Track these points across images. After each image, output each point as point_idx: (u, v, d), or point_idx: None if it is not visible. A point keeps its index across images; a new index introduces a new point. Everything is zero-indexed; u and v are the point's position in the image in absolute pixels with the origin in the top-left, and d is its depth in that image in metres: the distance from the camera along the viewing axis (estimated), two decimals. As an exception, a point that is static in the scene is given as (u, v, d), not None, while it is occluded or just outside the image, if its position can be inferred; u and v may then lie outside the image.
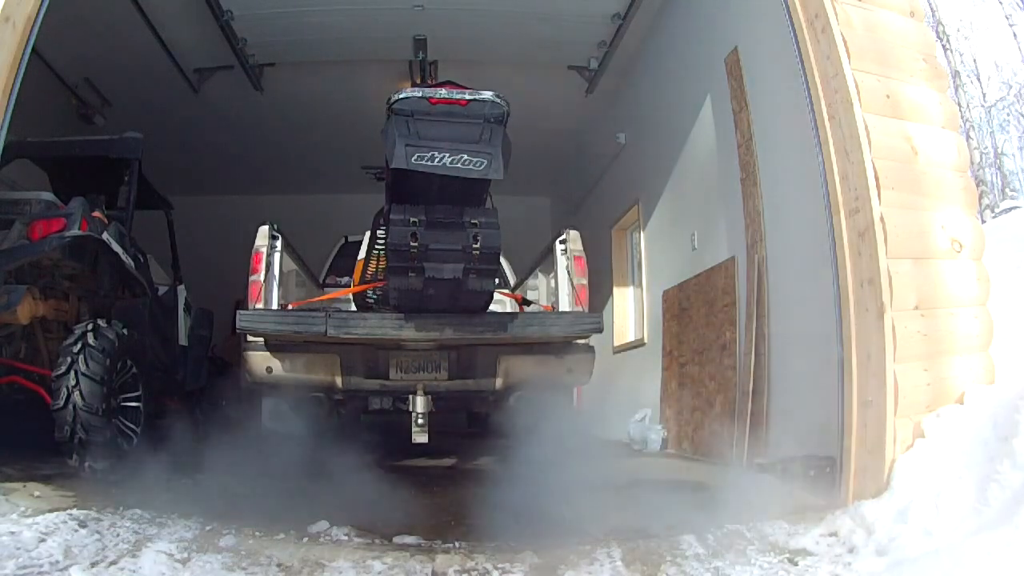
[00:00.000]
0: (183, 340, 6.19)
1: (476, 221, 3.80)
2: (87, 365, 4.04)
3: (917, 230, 3.57)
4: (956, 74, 15.31)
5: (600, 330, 4.51)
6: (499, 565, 2.96)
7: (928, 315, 3.50)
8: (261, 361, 4.50)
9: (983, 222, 6.86)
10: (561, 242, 4.98)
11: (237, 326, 4.26)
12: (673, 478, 4.97)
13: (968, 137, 14.19)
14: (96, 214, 4.54)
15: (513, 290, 5.91)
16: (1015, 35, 15.69)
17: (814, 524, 3.26)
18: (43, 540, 2.83)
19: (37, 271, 4.42)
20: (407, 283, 3.90)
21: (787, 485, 4.02)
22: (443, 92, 3.64)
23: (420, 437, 4.49)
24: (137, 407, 4.49)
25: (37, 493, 3.54)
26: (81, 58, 7.37)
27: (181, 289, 6.30)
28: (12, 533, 2.86)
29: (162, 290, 5.86)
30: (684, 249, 6.68)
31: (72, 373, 4.01)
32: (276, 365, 4.49)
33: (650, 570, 2.90)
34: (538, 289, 5.81)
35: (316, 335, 4.24)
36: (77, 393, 3.98)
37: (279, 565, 2.89)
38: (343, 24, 7.35)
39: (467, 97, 3.63)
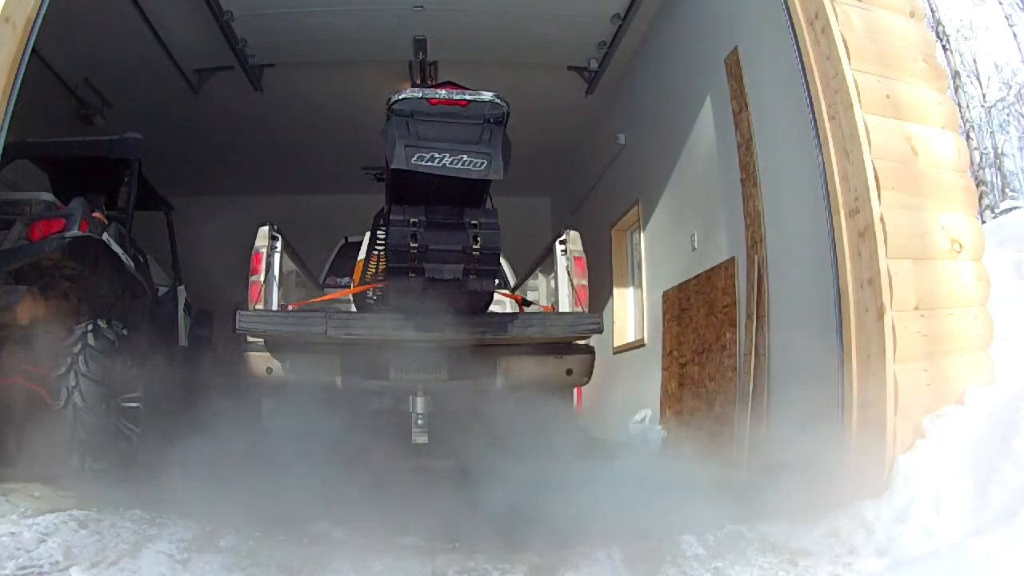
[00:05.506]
0: (183, 341, 6.19)
1: (476, 222, 3.80)
2: (87, 365, 4.05)
3: (917, 230, 3.57)
4: (956, 74, 15.32)
5: (600, 331, 4.51)
6: (499, 565, 2.96)
7: (928, 315, 3.50)
8: (261, 362, 4.50)
9: (983, 222, 6.85)
10: (561, 242, 4.98)
11: (237, 327, 4.26)
12: (673, 478, 4.97)
13: (968, 137, 14.19)
14: (96, 215, 4.55)
15: (513, 291, 5.91)
16: (1015, 35, 15.71)
17: (814, 524, 3.26)
18: (43, 540, 2.83)
19: (37, 271, 4.42)
20: (407, 284, 3.91)
21: (787, 485, 4.02)
22: (443, 93, 3.64)
23: (420, 438, 4.49)
24: (137, 407, 4.49)
25: (37, 493, 3.54)
26: (81, 58, 7.36)
27: (181, 290, 6.30)
28: (12, 534, 2.86)
29: (162, 291, 5.86)
30: (684, 249, 6.68)
31: (72, 373, 4.02)
32: (276, 366, 4.49)
33: (650, 570, 2.91)
34: (538, 290, 5.81)
35: (316, 336, 4.24)
36: (77, 393, 3.99)
37: (279, 565, 2.90)
38: (343, 24, 7.35)
39: (467, 98, 3.63)
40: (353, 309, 5.19)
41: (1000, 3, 15.85)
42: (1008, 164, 16.53)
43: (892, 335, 3.38)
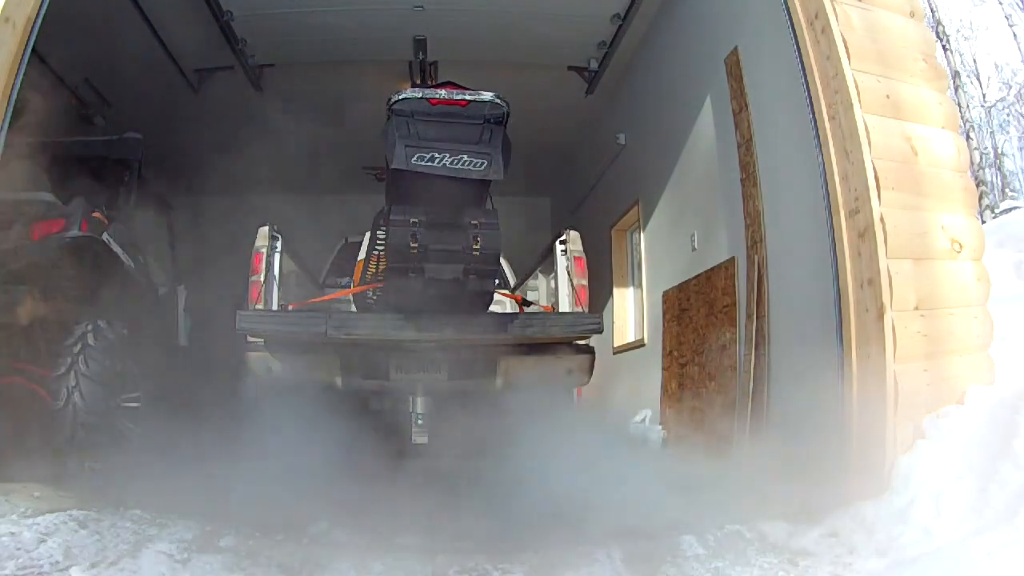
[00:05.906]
0: (183, 340, 6.19)
1: (476, 222, 3.79)
2: (87, 365, 4.05)
3: (917, 230, 3.57)
4: (956, 74, 15.32)
5: (600, 331, 4.51)
6: (499, 565, 2.96)
7: (928, 315, 3.50)
8: (261, 362, 4.49)
9: (983, 222, 6.85)
10: (561, 242, 4.98)
11: (237, 327, 4.26)
12: (673, 478, 4.97)
13: (968, 137, 14.21)
14: (96, 214, 4.55)
15: (513, 291, 5.91)
16: (1015, 35, 15.72)
17: (814, 524, 3.26)
18: (43, 541, 2.83)
19: (37, 271, 4.42)
20: (407, 284, 3.90)
21: (787, 485, 4.02)
22: (443, 93, 3.64)
23: (420, 438, 4.49)
24: (137, 407, 4.49)
25: (37, 493, 3.54)
26: (81, 58, 7.35)
27: (181, 290, 6.30)
28: (12, 534, 2.86)
29: (162, 291, 5.86)
30: (684, 249, 6.68)
31: (72, 373, 4.02)
32: (276, 366, 4.49)
33: (650, 570, 2.91)
34: (538, 290, 5.81)
35: (316, 336, 4.23)
36: (77, 393, 4.00)
37: (279, 565, 2.90)
38: (343, 24, 7.35)
39: (467, 98, 3.63)
40: (353, 309, 5.18)
41: (1000, 3, 15.86)
42: (1008, 164, 16.55)
43: (892, 335, 3.38)
